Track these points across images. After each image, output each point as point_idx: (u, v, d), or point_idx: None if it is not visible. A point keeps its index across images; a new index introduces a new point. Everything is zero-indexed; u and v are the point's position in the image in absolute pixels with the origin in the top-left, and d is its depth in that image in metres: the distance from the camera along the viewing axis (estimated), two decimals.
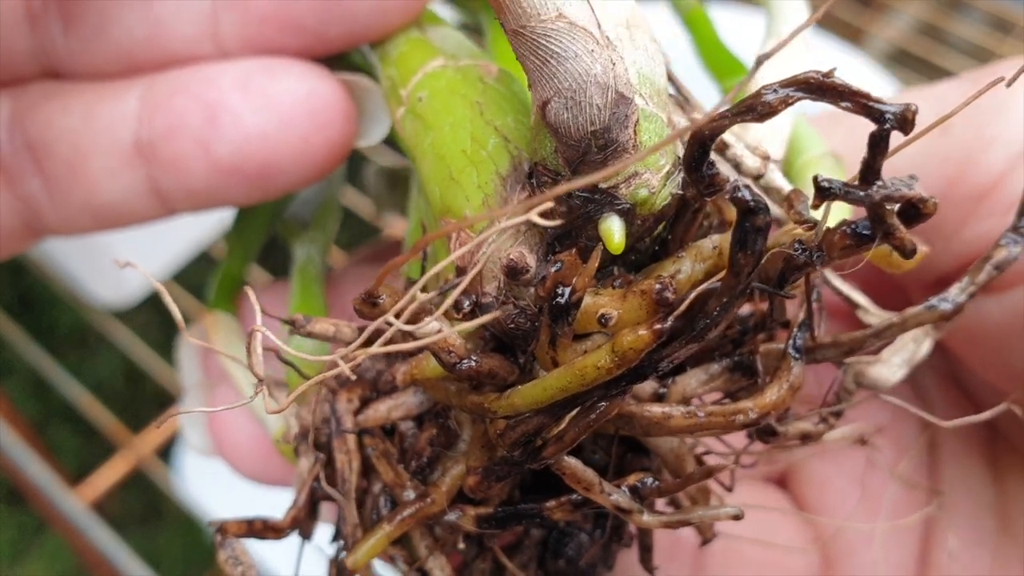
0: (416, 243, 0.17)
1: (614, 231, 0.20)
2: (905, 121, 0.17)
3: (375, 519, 0.24)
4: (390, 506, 0.24)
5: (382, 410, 0.24)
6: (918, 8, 1.08)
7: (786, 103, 0.17)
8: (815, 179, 0.18)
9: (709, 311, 0.18)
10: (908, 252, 0.18)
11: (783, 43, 0.16)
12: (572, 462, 0.21)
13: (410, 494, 0.23)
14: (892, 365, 0.25)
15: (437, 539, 0.24)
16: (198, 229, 0.91)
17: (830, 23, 1.07)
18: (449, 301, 0.18)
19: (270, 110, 0.25)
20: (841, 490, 0.31)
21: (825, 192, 0.18)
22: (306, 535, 0.25)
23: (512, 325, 0.20)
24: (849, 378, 0.25)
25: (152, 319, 1.07)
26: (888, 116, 0.17)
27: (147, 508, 1.15)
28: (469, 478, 0.22)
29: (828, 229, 0.18)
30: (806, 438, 0.24)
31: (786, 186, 0.22)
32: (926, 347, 0.25)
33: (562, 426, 0.20)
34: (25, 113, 0.26)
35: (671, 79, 0.24)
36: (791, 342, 0.21)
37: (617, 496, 0.22)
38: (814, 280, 0.21)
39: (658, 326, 0.18)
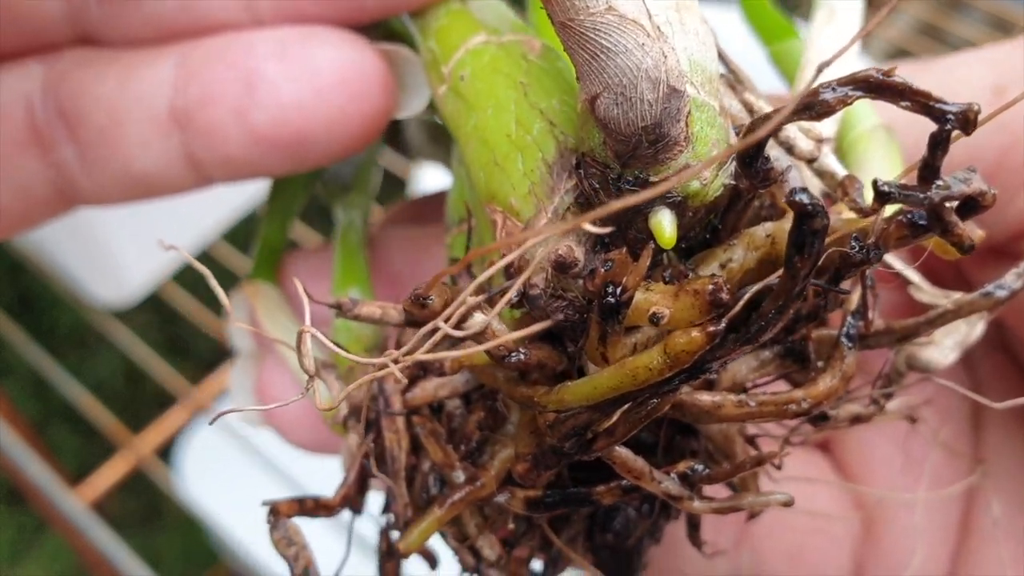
0: (466, 256, 0.19)
1: (665, 226, 0.20)
2: (967, 121, 0.17)
3: (425, 497, 0.24)
4: (439, 484, 0.24)
5: (429, 389, 0.25)
6: (918, 8, 1.08)
7: (844, 102, 0.17)
8: (874, 183, 0.18)
9: (764, 313, 0.18)
10: (965, 248, 0.18)
11: (843, 49, 0.16)
12: (623, 452, 0.22)
13: (459, 475, 0.23)
14: (944, 348, 0.25)
15: (486, 517, 0.24)
16: (198, 228, 0.90)
17: None
18: (500, 306, 0.18)
19: (307, 79, 0.25)
20: (884, 455, 0.31)
21: (884, 196, 0.18)
22: (356, 510, 0.26)
23: (561, 317, 0.21)
24: (901, 360, 0.25)
25: (152, 319, 1.07)
26: (950, 116, 0.17)
27: (147, 508, 1.15)
28: (518, 465, 0.23)
29: (883, 220, 0.19)
30: (857, 420, 0.23)
31: (840, 171, 0.22)
32: (978, 330, 0.25)
33: (612, 420, 0.20)
34: (58, 81, 0.27)
35: (721, 57, 0.23)
36: (844, 331, 0.21)
37: (667, 484, 0.22)
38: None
39: (711, 328, 0.18)
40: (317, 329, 0.30)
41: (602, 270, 0.18)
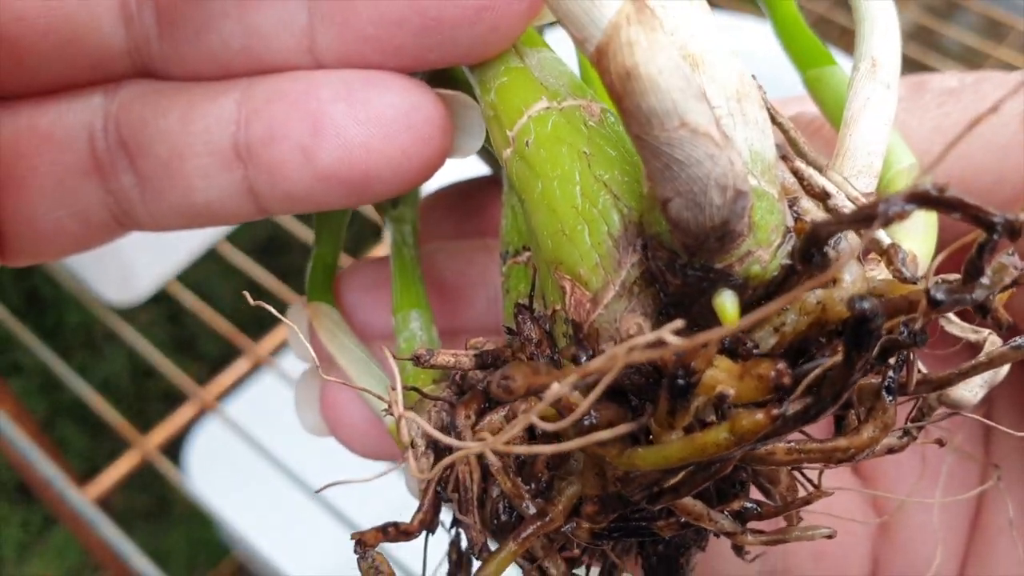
0: (567, 370, 0.19)
1: (728, 307, 0.21)
2: (1013, 229, 0.19)
3: (495, 523, 0.26)
4: (508, 510, 0.26)
5: (497, 422, 0.26)
6: (912, 11, 1.08)
7: (902, 216, 0.19)
8: (926, 292, 0.20)
9: (823, 397, 0.20)
10: (1003, 328, 0.21)
11: (948, 149, 0.17)
12: (684, 499, 0.24)
13: (529, 507, 0.25)
14: (973, 386, 0.27)
15: (551, 540, 0.26)
16: (204, 229, 0.90)
17: (824, 27, 1.07)
18: (592, 399, 0.19)
19: (373, 123, 0.26)
20: (898, 457, 0.32)
21: (937, 304, 0.20)
22: (431, 530, 0.28)
23: (628, 382, 0.22)
24: (933, 397, 0.27)
25: (159, 318, 1.07)
26: (998, 226, 0.19)
27: (155, 504, 1.15)
28: (587, 507, 0.25)
29: (931, 311, 0.21)
30: (890, 451, 0.27)
31: (885, 239, 0.24)
32: (1004, 371, 0.27)
33: (678, 478, 0.22)
34: (120, 112, 0.28)
35: (776, 121, 0.24)
36: (885, 384, 0.23)
37: (723, 522, 0.25)
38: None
39: (775, 412, 0.20)
40: (380, 344, 0.32)
41: (673, 356, 0.20)
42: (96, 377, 1.09)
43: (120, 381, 1.14)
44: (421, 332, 0.33)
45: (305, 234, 0.92)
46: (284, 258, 1.14)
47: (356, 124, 0.26)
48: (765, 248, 0.21)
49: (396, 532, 0.27)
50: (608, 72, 0.19)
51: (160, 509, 1.18)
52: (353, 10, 0.26)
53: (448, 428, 0.27)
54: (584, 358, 0.23)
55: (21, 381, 1.10)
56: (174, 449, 0.92)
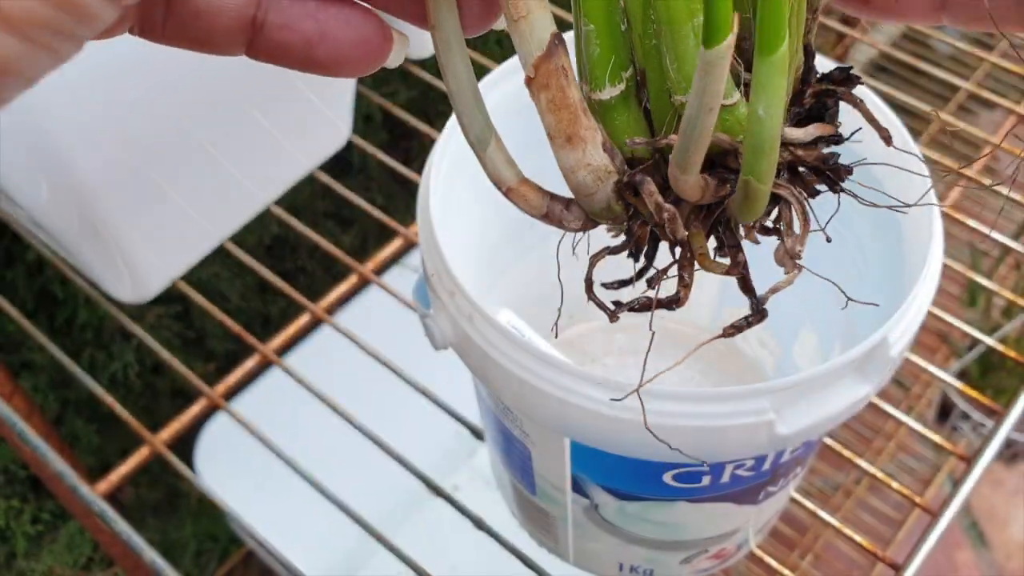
0: None
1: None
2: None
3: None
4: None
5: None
6: None
7: None
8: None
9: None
10: None
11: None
12: None
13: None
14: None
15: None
16: (212, 229, 0.91)
17: (821, 29, 1.07)
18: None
19: (361, 42, 0.32)
20: None
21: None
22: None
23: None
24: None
25: (167, 316, 1.08)
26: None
27: (163, 500, 1.16)
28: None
29: None
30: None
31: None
32: None
33: None
34: None
35: None
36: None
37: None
38: None
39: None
40: None
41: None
42: (106, 374, 1.10)
43: (130, 378, 1.15)
44: None
45: (313, 236, 0.93)
46: (291, 259, 1.15)
47: (348, 42, 0.32)
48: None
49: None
50: None
51: (170, 504, 1.19)
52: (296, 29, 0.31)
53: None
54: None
55: (32, 378, 1.11)
56: (184, 446, 0.93)
